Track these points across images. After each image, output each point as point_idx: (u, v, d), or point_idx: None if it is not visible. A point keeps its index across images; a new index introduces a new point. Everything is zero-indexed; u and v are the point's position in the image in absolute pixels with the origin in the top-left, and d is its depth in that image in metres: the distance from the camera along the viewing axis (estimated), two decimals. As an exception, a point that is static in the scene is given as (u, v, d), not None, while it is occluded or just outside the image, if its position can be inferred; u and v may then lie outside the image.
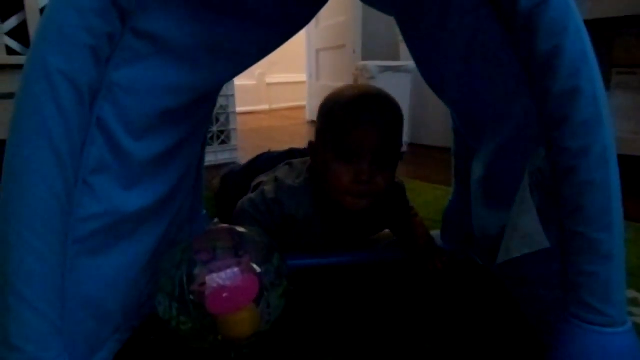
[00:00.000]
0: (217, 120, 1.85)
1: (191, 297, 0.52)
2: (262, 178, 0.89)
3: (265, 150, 1.16)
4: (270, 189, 0.80)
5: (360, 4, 1.14)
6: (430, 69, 0.73)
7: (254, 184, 0.90)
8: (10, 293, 0.40)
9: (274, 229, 0.80)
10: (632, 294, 0.71)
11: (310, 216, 0.80)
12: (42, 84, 0.39)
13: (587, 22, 0.43)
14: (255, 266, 0.54)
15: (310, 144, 0.80)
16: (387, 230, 0.94)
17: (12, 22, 1.25)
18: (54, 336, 0.42)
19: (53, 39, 0.39)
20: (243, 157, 1.96)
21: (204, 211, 0.91)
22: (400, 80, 2.08)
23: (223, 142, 1.88)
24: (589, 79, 0.42)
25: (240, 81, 2.11)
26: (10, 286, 0.40)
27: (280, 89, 3.98)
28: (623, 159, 0.46)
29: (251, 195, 0.82)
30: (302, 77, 3.44)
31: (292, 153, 1.06)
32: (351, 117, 0.72)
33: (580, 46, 0.42)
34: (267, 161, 1.02)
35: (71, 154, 0.42)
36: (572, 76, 0.42)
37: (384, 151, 0.72)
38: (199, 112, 0.69)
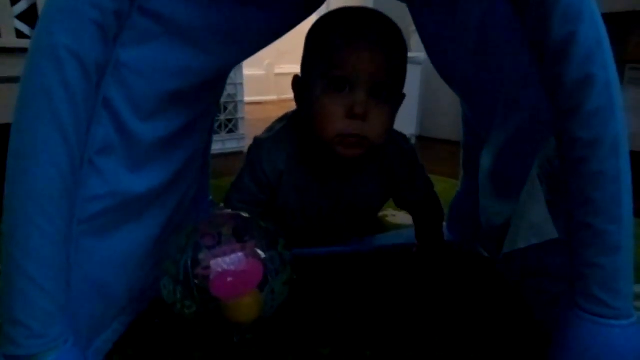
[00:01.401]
0: (225, 108, 1.85)
1: (195, 281, 0.52)
2: None
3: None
4: (247, 158, 0.73)
5: (371, -8, 1.13)
6: (442, 56, 0.72)
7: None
8: (16, 271, 0.40)
9: (262, 209, 0.73)
10: (638, 288, 0.70)
11: (292, 172, 0.70)
12: (49, 60, 0.39)
13: (602, 16, 0.42)
14: (259, 251, 0.54)
15: (295, 78, 0.70)
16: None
17: (22, 5, 1.25)
18: (58, 314, 0.42)
19: (60, 15, 0.39)
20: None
21: (210, 197, 0.91)
22: (410, 71, 2.04)
23: (230, 131, 1.88)
24: (602, 67, 0.41)
25: (248, 71, 2.10)
26: (15, 264, 0.40)
27: (289, 79, 3.95)
28: (634, 156, 0.45)
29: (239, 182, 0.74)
30: (311, 67, 3.42)
31: None
32: (346, 36, 0.61)
33: (595, 33, 0.41)
34: None
35: (77, 133, 0.42)
36: (586, 63, 0.41)
37: (384, 81, 0.61)
38: (207, 97, 0.69)
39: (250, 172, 0.71)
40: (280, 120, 0.77)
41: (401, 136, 0.76)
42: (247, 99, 1.97)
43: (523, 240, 0.54)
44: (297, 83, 0.69)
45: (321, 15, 0.68)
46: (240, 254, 0.53)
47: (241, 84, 1.88)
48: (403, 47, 0.65)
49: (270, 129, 0.75)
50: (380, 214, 1.05)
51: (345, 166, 0.70)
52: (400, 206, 0.84)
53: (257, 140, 0.73)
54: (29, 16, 1.27)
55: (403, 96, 0.69)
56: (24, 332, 0.40)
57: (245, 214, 0.59)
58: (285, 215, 0.76)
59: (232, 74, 1.75)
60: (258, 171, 0.70)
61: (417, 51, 2.11)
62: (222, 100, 1.78)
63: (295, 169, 0.71)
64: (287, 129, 0.72)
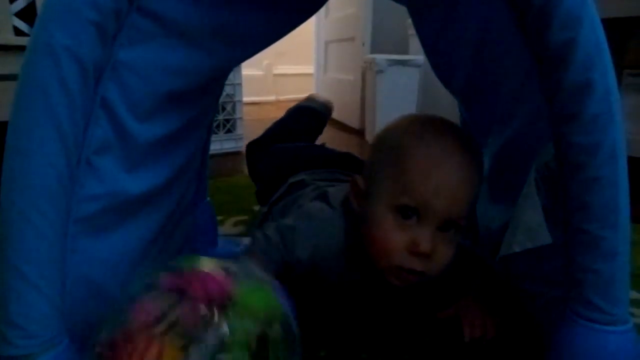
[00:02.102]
0: (224, 109, 1.85)
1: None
2: (302, 176, 0.71)
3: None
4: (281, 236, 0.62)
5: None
6: (441, 59, 0.73)
7: (291, 180, 0.72)
8: (11, 270, 0.40)
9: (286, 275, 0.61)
10: (634, 294, 0.70)
11: (330, 262, 0.61)
12: (47, 59, 0.39)
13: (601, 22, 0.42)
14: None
15: (354, 181, 0.59)
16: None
17: (20, 2, 1.25)
18: (54, 315, 0.42)
19: (58, 14, 0.39)
20: (248, 146, 1.96)
21: (208, 198, 0.91)
22: (408, 74, 2.07)
23: (228, 131, 1.88)
24: (602, 73, 0.41)
25: (247, 71, 2.10)
26: (10, 264, 0.40)
27: (288, 80, 3.97)
28: (632, 161, 0.46)
29: (266, 230, 0.63)
30: (310, 68, 3.42)
31: (349, 159, 0.82)
32: (426, 161, 0.52)
33: (595, 39, 0.41)
34: (312, 161, 0.80)
35: (74, 132, 0.42)
36: (585, 69, 0.41)
37: (457, 219, 0.53)
38: (205, 97, 0.69)
39: (279, 241, 0.61)
40: (318, 199, 0.67)
41: None
42: (245, 99, 1.97)
43: (518, 244, 0.54)
44: (358, 188, 0.59)
45: (401, 121, 0.59)
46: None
47: (239, 84, 1.88)
48: (481, 178, 0.57)
49: (306, 215, 0.64)
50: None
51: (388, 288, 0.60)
52: None
53: (301, 214, 0.64)
54: (27, 14, 1.27)
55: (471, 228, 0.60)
56: (18, 333, 0.40)
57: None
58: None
59: (230, 74, 1.75)
60: (289, 249, 0.60)
61: (415, 54, 2.12)
62: (221, 100, 1.78)
63: (332, 264, 0.61)
64: (336, 221, 0.61)
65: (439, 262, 0.53)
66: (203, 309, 0.37)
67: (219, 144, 1.82)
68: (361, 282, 0.63)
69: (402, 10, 0.77)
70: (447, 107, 2.07)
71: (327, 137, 1.27)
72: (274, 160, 0.93)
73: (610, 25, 0.41)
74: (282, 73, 3.95)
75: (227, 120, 1.87)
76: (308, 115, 1.15)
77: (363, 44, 2.51)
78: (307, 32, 3.15)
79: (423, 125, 0.56)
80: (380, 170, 0.56)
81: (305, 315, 0.64)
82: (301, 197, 0.71)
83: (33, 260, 0.40)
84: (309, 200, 0.69)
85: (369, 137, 2.23)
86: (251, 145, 1.09)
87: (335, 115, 1.54)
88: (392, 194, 0.53)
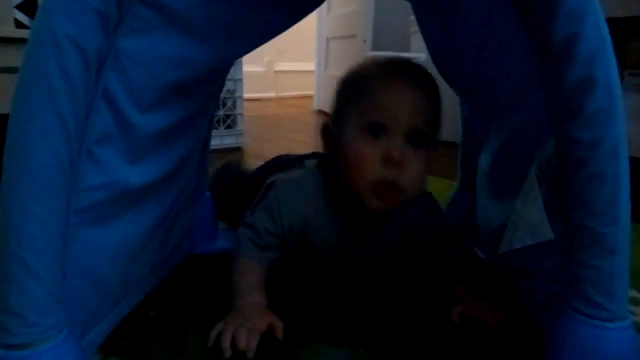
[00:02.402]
0: (224, 104, 1.85)
1: None
2: (278, 175, 0.74)
3: (278, 152, 0.95)
4: (265, 197, 0.67)
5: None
6: (443, 55, 0.72)
7: (268, 181, 0.75)
8: (11, 259, 0.39)
9: (278, 253, 0.67)
10: (632, 293, 0.71)
11: (315, 220, 0.66)
12: (49, 48, 0.38)
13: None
14: None
15: (325, 126, 0.66)
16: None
17: (22, -5, 1.25)
18: (54, 304, 0.42)
19: (61, 2, 0.39)
20: (248, 142, 1.96)
21: (208, 192, 0.91)
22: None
23: (229, 127, 1.88)
24: (605, 69, 0.41)
25: (248, 67, 2.10)
26: (11, 252, 0.39)
27: (288, 77, 3.97)
28: (632, 161, 0.46)
29: (246, 220, 0.67)
30: (311, 65, 3.42)
31: (315, 156, 0.87)
32: (385, 80, 0.59)
33: (598, 35, 0.41)
34: (281, 165, 0.84)
35: (76, 121, 0.42)
36: (588, 65, 0.41)
37: (422, 129, 0.58)
38: (206, 90, 0.69)
39: (266, 216, 0.65)
40: (301, 165, 0.74)
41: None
42: (246, 95, 1.97)
43: (518, 240, 0.54)
44: (328, 131, 0.65)
45: (355, 65, 0.65)
46: None
47: (240, 80, 1.88)
48: (439, 98, 0.63)
49: (286, 181, 0.69)
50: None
51: (372, 220, 0.67)
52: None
53: (277, 182, 0.69)
54: (28, 6, 1.27)
55: (438, 144, 0.65)
56: (18, 321, 0.40)
57: None
58: (310, 251, 0.71)
59: (231, 70, 1.75)
60: (275, 217, 0.65)
61: (417, 52, 2.12)
62: (221, 95, 1.78)
63: (318, 218, 0.66)
64: (313, 175, 0.68)
65: (411, 173, 0.57)
66: None
67: (219, 139, 1.82)
68: (348, 241, 0.68)
69: (404, 7, 0.76)
70: (448, 105, 2.07)
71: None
72: (245, 186, 0.91)
73: (612, 25, 0.41)
74: (283, 70, 3.95)
75: (228, 116, 1.87)
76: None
77: (364, 41, 2.51)
78: (308, 29, 3.15)
79: (380, 59, 0.64)
80: (347, 102, 0.62)
81: (303, 306, 0.64)
82: None
83: (33, 249, 0.40)
84: None
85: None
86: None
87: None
88: (360, 116, 0.58)
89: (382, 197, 0.58)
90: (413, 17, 0.98)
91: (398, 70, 0.61)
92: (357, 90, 0.61)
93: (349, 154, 0.59)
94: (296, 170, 0.73)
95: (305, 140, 2.08)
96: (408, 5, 0.75)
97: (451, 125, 0.91)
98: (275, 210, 0.65)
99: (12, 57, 1.18)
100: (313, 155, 0.85)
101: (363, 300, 0.68)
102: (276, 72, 3.94)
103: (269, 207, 0.65)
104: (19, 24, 1.25)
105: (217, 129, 1.82)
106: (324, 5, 0.65)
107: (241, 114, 1.91)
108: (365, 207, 0.59)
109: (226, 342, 0.53)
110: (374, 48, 2.44)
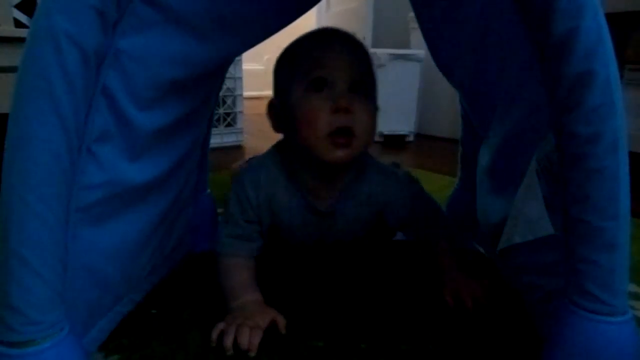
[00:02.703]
0: (224, 102, 1.85)
1: None
2: None
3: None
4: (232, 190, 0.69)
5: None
6: (443, 51, 0.72)
7: None
8: (12, 257, 0.40)
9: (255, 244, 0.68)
10: (633, 288, 0.71)
11: (278, 196, 0.68)
12: (48, 46, 0.38)
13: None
14: None
15: (270, 104, 0.68)
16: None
17: (21, -6, 1.25)
18: (55, 301, 0.42)
19: (60, 1, 0.39)
20: (248, 140, 1.97)
21: (208, 190, 0.91)
22: (409, 68, 2.07)
23: (229, 125, 1.88)
24: (603, 63, 0.41)
25: (248, 65, 2.10)
26: (12, 250, 0.39)
27: (288, 75, 3.95)
28: (632, 157, 0.45)
29: (221, 219, 0.70)
30: (311, 63, 3.41)
31: None
32: (321, 42, 0.64)
33: (597, 29, 0.41)
34: None
35: (75, 119, 0.42)
36: (587, 59, 0.41)
37: (361, 79, 0.62)
38: (205, 88, 0.69)
39: (235, 202, 0.68)
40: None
41: (396, 166, 0.75)
42: (245, 93, 1.97)
43: (519, 235, 0.54)
44: (274, 106, 0.68)
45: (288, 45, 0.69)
46: None
47: (240, 78, 1.88)
48: (371, 60, 0.67)
49: (251, 162, 0.74)
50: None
51: (332, 178, 0.68)
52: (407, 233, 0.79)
53: (240, 172, 0.71)
54: (27, 5, 1.26)
55: (377, 108, 0.67)
56: (19, 319, 0.40)
57: None
58: (284, 237, 0.73)
59: (231, 68, 1.75)
60: (243, 200, 0.67)
61: (417, 48, 2.12)
62: (221, 93, 1.78)
63: (281, 195, 0.68)
64: (269, 155, 0.71)
65: (362, 119, 0.60)
66: None
67: (219, 138, 1.83)
68: (313, 220, 0.70)
69: (403, 4, 0.76)
70: (448, 101, 2.08)
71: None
72: None
73: (612, 20, 0.41)
74: (282, 68, 3.93)
75: (228, 114, 1.87)
76: None
77: (364, 38, 2.50)
78: (307, 27, 3.12)
79: (306, 33, 0.67)
80: (288, 72, 0.65)
81: (301, 305, 0.64)
82: None
83: (34, 247, 0.40)
84: None
85: (370, 131, 2.23)
86: None
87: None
88: (303, 77, 0.61)
89: (339, 146, 0.60)
90: (412, 14, 0.98)
91: (329, 33, 0.65)
92: (295, 58, 0.65)
93: (301, 114, 0.61)
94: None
95: (305, 138, 2.08)
96: (407, 1, 0.75)
97: (453, 122, 0.91)
98: (242, 195, 0.67)
99: (12, 56, 1.18)
100: None
101: (351, 293, 0.68)
102: (276, 70, 3.92)
103: (236, 196, 0.68)
104: (18, 24, 1.25)
105: (217, 127, 1.82)
106: (323, 2, 0.65)
107: (241, 112, 1.91)
108: (324, 169, 0.63)
109: (228, 341, 0.53)
110: (374, 45, 2.44)
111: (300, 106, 0.61)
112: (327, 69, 0.60)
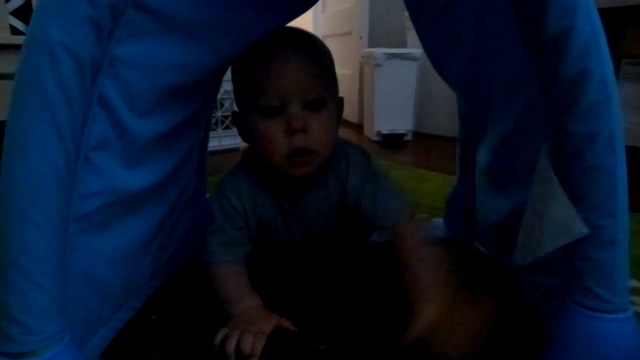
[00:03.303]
0: (222, 105, 1.85)
1: None
2: None
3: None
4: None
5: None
6: (438, 51, 0.72)
7: None
8: (12, 267, 0.40)
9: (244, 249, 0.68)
10: (634, 283, 0.71)
11: (258, 201, 0.68)
12: (43, 56, 0.38)
13: (597, 11, 0.42)
14: None
15: (234, 114, 0.69)
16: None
17: (16, 1, 1.25)
18: (55, 311, 0.42)
19: (54, 10, 0.39)
20: (247, 142, 1.96)
21: (207, 194, 0.91)
22: (406, 67, 2.07)
23: (227, 128, 1.88)
24: (598, 62, 0.41)
25: (245, 67, 2.10)
26: (11, 260, 0.40)
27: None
28: (630, 151, 0.46)
29: (209, 229, 0.69)
30: (308, 64, 3.41)
31: None
32: (266, 62, 0.59)
33: (591, 27, 0.41)
34: None
35: (72, 129, 0.42)
36: (582, 58, 0.41)
37: (315, 97, 0.59)
38: (203, 93, 0.69)
39: (219, 212, 0.68)
40: None
41: (355, 147, 0.71)
42: (243, 95, 1.97)
43: (550, 243, 0.48)
44: (237, 118, 0.68)
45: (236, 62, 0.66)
46: None
47: (238, 80, 1.88)
48: (326, 53, 0.65)
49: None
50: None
51: (300, 186, 0.68)
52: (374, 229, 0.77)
53: (218, 183, 0.71)
54: (24, 12, 1.26)
55: (341, 100, 0.67)
56: (19, 329, 0.40)
57: None
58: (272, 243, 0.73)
59: (228, 71, 1.75)
60: (227, 208, 0.67)
61: (413, 47, 2.12)
62: (219, 96, 1.78)
63: (260, 198, 0.69)
64: (244, 161, 0.71)
65: (317, 135, 0.59)
66: None
67: (217, 141, 1.82)
68: (289, 221, 0.70)
69: (399, 3, 0.76)
70: (445, 99, 2.08)
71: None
72: None
73: (608, 14, 0.41)
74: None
75: (226, 117, 1.87)
76: None
77: (360, 38, 2.51)
78: (304, 27, 3.13)
79: (259, 42, 0.63)
80: (241, 89, 0.64)
81: (300, 308, 0.64)
82: None
83: (33, 257, 0.40)
84: None
85: (368, 131, 2.23)
86: None
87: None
88: (254, 101, 0.60)
89: (298, 165, 0.60)
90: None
91: (277, 44, 0.61)
92: (245, 84, 0.63)
93: (257, 137, 0.62)
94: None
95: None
96: (402, 1, 0.75)
97: (450, 120, 0.91)
98: (225, 204, 0.67)
99: (9, 63, 1.18)
100: None
101: (363, 299, 0.68)
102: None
103: (220, 207, 0.68)
104: (14, 30, 1.25)
105: (215, 130, 1.82)
106: (319, 3, 0.65)
107: (239, 115, 1.91)
108: (290, 179, 0.63)
109: (231, 347, 0.53)
110: (370, 45, 2.44)
111: (257, 130, 0.61)
112: (277, 95, 0.58)
